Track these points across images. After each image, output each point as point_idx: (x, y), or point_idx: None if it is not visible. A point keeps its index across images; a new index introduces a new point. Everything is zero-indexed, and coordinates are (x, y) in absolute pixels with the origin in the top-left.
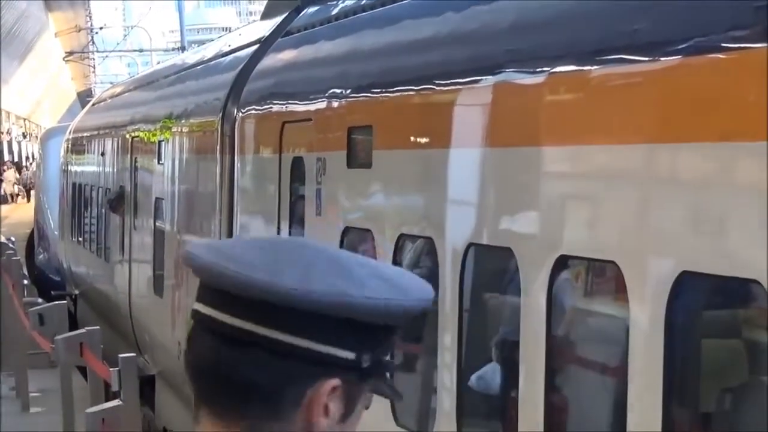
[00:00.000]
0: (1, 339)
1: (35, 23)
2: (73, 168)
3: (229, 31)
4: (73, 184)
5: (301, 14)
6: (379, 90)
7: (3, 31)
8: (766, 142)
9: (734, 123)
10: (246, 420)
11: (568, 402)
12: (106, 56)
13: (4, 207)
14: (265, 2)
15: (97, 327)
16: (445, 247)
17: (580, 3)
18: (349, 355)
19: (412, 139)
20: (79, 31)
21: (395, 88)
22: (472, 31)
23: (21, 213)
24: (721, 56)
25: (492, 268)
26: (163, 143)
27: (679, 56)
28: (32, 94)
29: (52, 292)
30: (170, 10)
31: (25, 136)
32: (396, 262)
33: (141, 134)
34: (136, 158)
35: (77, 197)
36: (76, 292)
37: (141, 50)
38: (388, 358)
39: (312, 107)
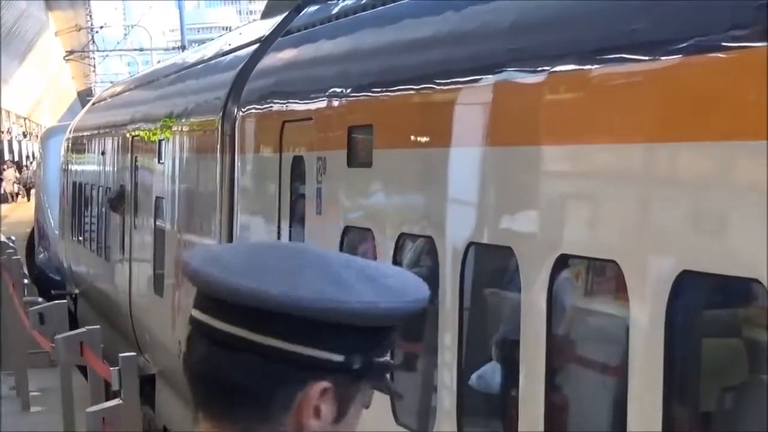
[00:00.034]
0: (2, 338)
1: (35, 22)
2: (73, 167)
3: (230, 31)
4: (74, 183)
5: (301, 13)
6: (379, 89)
7: (3, 31)
8: (766, 141)
9: (734, 122)
10: (240, 423)
11: (569, 401)
12: (107, 55)
13: (5, 206)
14: (265, 1)
15: (98, 326)
16: (446, 246)
17: (581, 3)
18: (338, 357)
19: (412, 138)
20: (80, 30)
21: (395, 88)
22: (473, 30)
23: (21, 212)
24: (721, 55)
25: (492, 267)
26: (163, 142)
27: (680, 55)
28: (32, 94)
29: (53, 292)
30: (170, 9)
31: (25, 136)
32: (396, 261)
33: (141, 133)
34: (136, 157)
35: (77, 196)
36: (77, 291)
37: (141, 49)
38: (383, 358)
39: (312, 106)
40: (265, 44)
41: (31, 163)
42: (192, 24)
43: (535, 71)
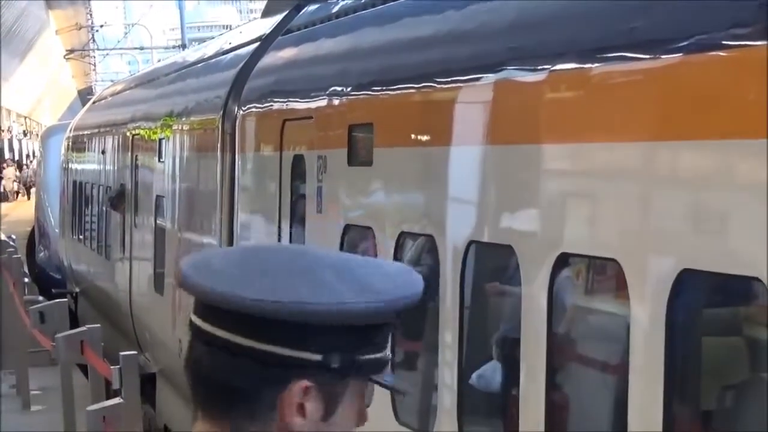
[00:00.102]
0: (2, 337)
1: (36, 21)
2: (73, 166)
3: (230, 29)
4: (74, 182)
5: (301, 12)
6: (379, 88)
7: (3, 29)
8: (766, 140)
9: (735, 121)
10: (232, 421)
11: (569, 400)
12: (107, 54)
13: (5, 205)
14: (265, 0)
15: (98, 325)
16: (446, 244)
17: (580, 2)
18: (316, 357)
19: (412, 136)
20: (80, 28)
21: (396, 86)
22: (473, 29)
23: (21, 211)
24: (721, 54)
25: (493, 265)
26: (163, 141)
27: (680, 54)
28: (33, 92)
29: (53, 290)
30: (171, 8)
31: (25, 134)
32: (397, 259)
33: (142, 132)
34: (136, 156)
35: (78, 195)
36: (77, 290)
37: (142, 48)
38: (371, 356)
39: (313, 105)
40: (266, 43)
41: (31, 161)
42: (192, 23)
43: (535, 70)
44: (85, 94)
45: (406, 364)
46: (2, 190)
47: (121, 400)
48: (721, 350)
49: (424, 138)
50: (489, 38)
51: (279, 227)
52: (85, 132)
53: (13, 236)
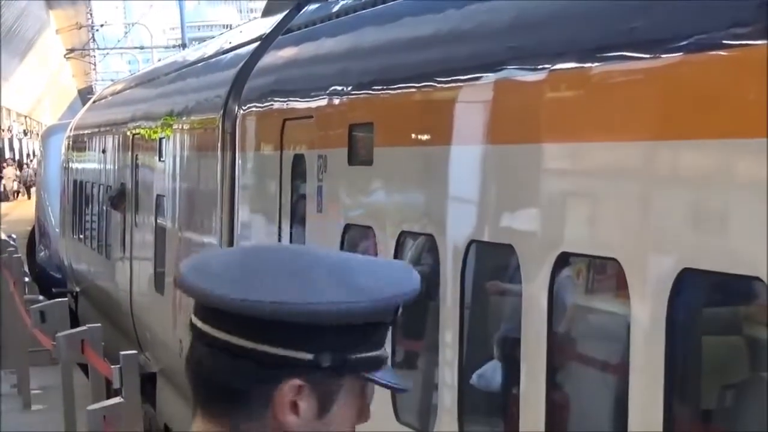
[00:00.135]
0: (3, 336)
1: (36, 20)
2: (74, 165)
3: (230, 29)
4: (74, 182)
5: (301, 11)
6: (380, 87)
7: (4, 29)
8: (766, 139)
9: (735, 120)
10: (228, 419)
11: (570, 399)
12: (107, 53)
13: (5, 204)
14: (265, 0)
15: (99, 324)
16: (447, 244)
17: (580, 2)
18: (307, 356)
19: (413, 136)
20: (80, 28)
21: (396, 85)
22: (473, 28)
23: (22, 210)
24: (721, 53)
25: (493, 265)
26: (164, 140)
27: (680, 53)
28: (33, 92)
29: (53, 290)
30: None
31: (26, 134)
32: (397, 259)
33: (142, 131)
34: (137, 155)
35: (78, 194)
36: (77, 289)
37: (142, 47)
38: (363, 354)
39: (313, 104)
40: (266, 42)
41: (31, 161)
42: (192, 22)
43: (535, 69)
44: (85, 94)
45: (406, 363)
46: (2, 189)
47: (122, 400)
48: (722, 350)
49: (425, 137)
50: (489, 38)
51: (279, 227)
52: (86, 131)
53: (14, 235)
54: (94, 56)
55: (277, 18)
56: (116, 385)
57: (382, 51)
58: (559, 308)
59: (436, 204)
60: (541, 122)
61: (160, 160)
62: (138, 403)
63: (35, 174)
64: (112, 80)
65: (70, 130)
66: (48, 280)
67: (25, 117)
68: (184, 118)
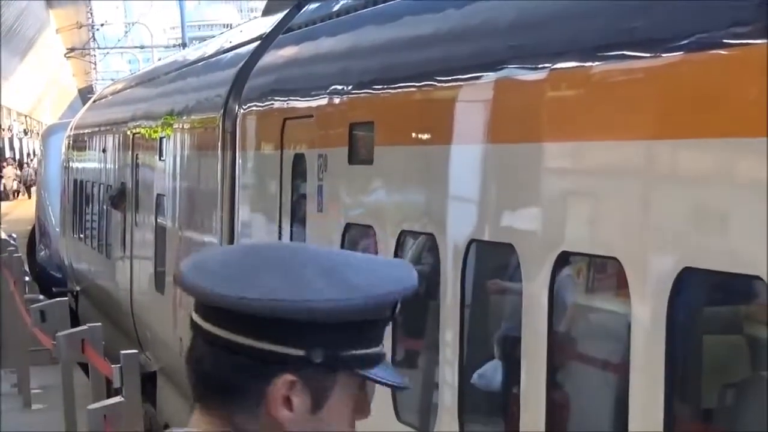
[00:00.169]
0: (3, 336)
1: (36, 20)
2: (74, 165)
3: (230, 28)
4: (75, 181)
5: (302, 11)
6: (380, 86)
7: (4, 28)
8: (766, 138)
9: (735, 119)
10: (224, 414)
11: (570, 398)
12: (107, 53)
13: (6, 204)
14: None
15: (99, 324)
16: (447, 243)
17: (581, 1)
18: (298, 352)
19: (413, 135)
20: (80, 27)
21: (396, 85)
22: (473, 27)
23: (22, 210)
24: (721, 52)
25: (493, 264)
26: (164, 140)
27: (680, 52)
28: (33, 91)
29: (54, 289)
30: (171, 7)
31: (26, 133)
32: (397, 258)
33: (142, 131)
34: (137, 155)
35: (78, 194)
36: (78, 288)
37: (142, 47)
38: (357, 351)
39: (313, 103)
40: (266, 42)
41: (32, 160)
42: (193, 21)
43: (535, 68)
44: (85, 93)
45: (407, 362)
46: (2, 188)
47: (122, 399)
48: (722, 349)
49: (425, 136)
50: (489, 37)
51: (279, 226)
52: (86, 131)
53: (14, 235)
54: (95, 55)
55: (278, 17)
56: (117, 384)
57: (383, 50)
58: (559, 307)
59: (436, 203)
60: (542, 121)
61: (160, 159)
62: (138, 402)
63: (35, 173)
64: (112, 79)
65: (71, 129)
66: (48, 279)
67: (26, 116)
68: (184, 118)
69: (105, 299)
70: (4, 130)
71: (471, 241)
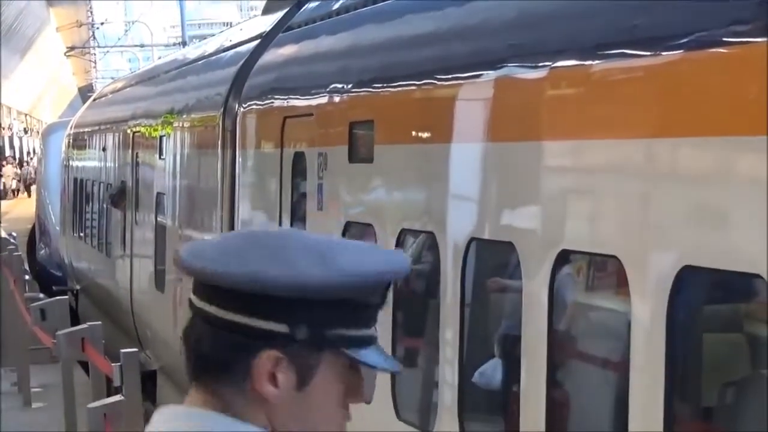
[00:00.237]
0: (3, 334)
1: (36, 18)
2: (74, 163)
3: (230, 27)
4: (75, 180)
5: (302, 9)
6: (380, 85)
7: (4, 27)
8: (766, 136)
9: (735, 117)
10: (214, 389)
11: (570, 397)
12: (107, 51)
13: (6, 202)
14: None
15: (99, 322)
16: (447, 241)
17: (582, 1)
18: (282, 328)
19: (413, 133)
20: (80, 26)
21: (396, 83)
22: (473, 25)
23: (22, 208)
24: (721, 51)
25: (494, 262)
26: (164, 138)
27: (680, 51)
28: (33, 90)
29: (54, 288)
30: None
31: (26, 132)
32: None
33: (142, 129)
34: (137, 153)
35: (78, 192)
36: (78, 287)
37: (142, 45)
38: (344, 331)
39: (313, 102)
40: (266, 40)
41: (32, 159)
42: (193, 20)
43: (535, 67)
44: (85, 92)
45: (407, 361)
46: (2, 187)
47: (122, 398)
48: (722, 347)
49: (425, 135)
50: (489, 35)
51: (280, 224)
52: (86, 129)
53: (14, 233)
54: (95, 54)
55: (278, 16)
56: (117, 383)
57: (383, 48)
58: (559, 306)
59: (436, 201)
60: (542, 120)
61: (160, 158)
62: (139, 400)
63: (35, 172)
64: (112, 78)
65: (71, 128)
66: (48, 278)
67: (26, 115)
68: (184, 116)
69: (105, 298)
70: (4, 128)
71: (471, 240)
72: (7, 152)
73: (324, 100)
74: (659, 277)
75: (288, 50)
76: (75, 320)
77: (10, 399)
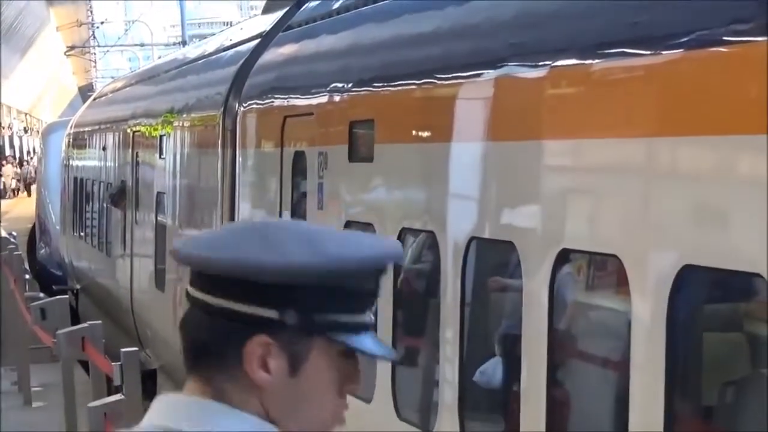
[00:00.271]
0: (3, 334)
1: (36, 18)
2: (74, 162)
3: (231, 26)
4: (75, 179)
5: (302, 9)
6: (380, 84)
7: (4, 26)
8: (766, 135)
9: (735, 116)
10: (210, 379)
11: (570, 396)
12: (108, 51)
13: (6, 202)
14: None
15: (99, 321)
16: (447, 240)
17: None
18: (272, 313)
19: (413, 133)
20: (80, 25)
21: (396, 82)
22: (474, 24)
23: (22, 208)
24: (722, 50)
25: (494, 262)
26: (164, 138)
27: (681, 50)
28: (33, 89)
29: (54, 287)
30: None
31: (26, 131)
32: None
33: (142, 129)
34: (137, 153)
35: (79, 192)
36: (78, 286)
37: (142, 45)
38: (334, 317)
39: (313, 101)
40: (266, 39)
41: (32, 158)
42: (193, 19)
43: (536, 66)
44: (85, 91)
45: (407, 360)
46: (2, 186)
47: (123, 397)
48: (722, 346)
49: (425, 134)
50: (490, 34)
51: None
52: (86, 129)
53: (14, 233)
54: (95, 53)
55: (278, 15)
56: (117, 382)
57: (383, 48)
58: (559, 305)
59: (436, 201)
60: (542, 119)
61: (160, 157)
62: (139, 400)
63: (35, 171)
64: (112, 77)
65: (71, 127)
66: (48, 277)
67: (26, 114)
68: (184, 116)
69: (105, 297)
70: (4, 128)
71: (471, 239)
72: (7, 151)
73: (324, 99)
74: (659, 277)
75: (288, 49)
76: (75, 319)
77: (11, 398)
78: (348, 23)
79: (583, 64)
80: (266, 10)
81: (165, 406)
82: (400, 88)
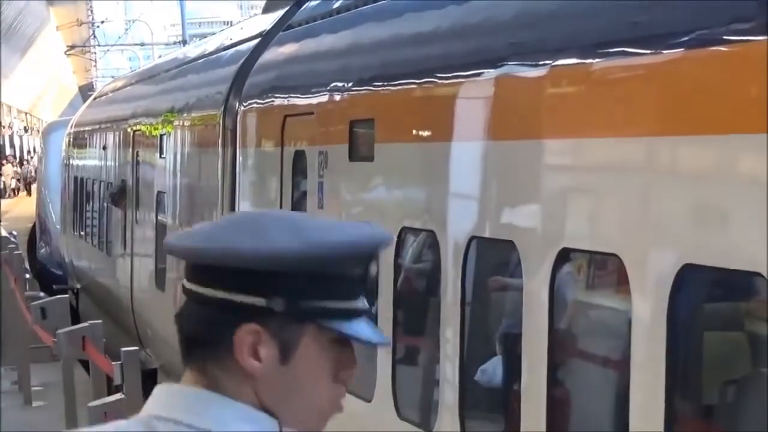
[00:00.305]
0: (3, 333)
1: (36, 17)
2: (74, 162)
3: (231, 25)
4: (75, 178)
5: (302, 8)
6: (380, 83)
7: (4, 26)
8: (766, 134)
9: (735, 115)
10: (205, 369)
11: (571, 395)
12: (108, 50)
13: (6, 201)
14: None
15: (100, 321)
16: (447, 240)
17: None
18: (259, 301)
19: (413, 132)
20: (81, 25)
21: (397, 82)
22: (474, 24)
23: (23, 207)
24: (722, 49)
25: (494, 261)
26: (164, 137)
27: (681, 49)
28: (33, 89)
29: (54, 286)
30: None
31: (26, 131)
32: (398, 255)
33: (143, 128)
34: (137, 152)
35: (79, 191)
36: (78, 286)
37: (142, 44)
38: (323, 304)
39: (314, 101)
40: (267, 39)
41: (32, 158)
42: (193, 19)
43: (536, 65)
44: (85, 91)
45: (407, 359)
46: (2, 186)
47: (123, 396)
48: (723, 345)
49: (426, 133)
50: (490, 33)
51: None
52: (86, 128)
53: (15, 232)
54: (95, 53)
55: (278, 14)
56: (117, 381)
57: (383, 47)
58: (560, 304)
59: (437, 200)
60: (542, 118)
61: (160, 156)
62: (139, 399)
63: (36, 171)
64: (112, 77)
65: (71, 126)
66: (49, 276)
67: (26, 114)
68: (184, 115)
69: (105, 296)
70: (4, 127)
71: (471, 238)
72: (8, 151)
73: (324, 98)
74: (660, 276)
75: (288, 49)
76: (75, 319)
77: (11, 397)
78: (348, 23)
79: (583, 63)
80: (266, 10)
81: (163, 396)
82: (400, 87)
